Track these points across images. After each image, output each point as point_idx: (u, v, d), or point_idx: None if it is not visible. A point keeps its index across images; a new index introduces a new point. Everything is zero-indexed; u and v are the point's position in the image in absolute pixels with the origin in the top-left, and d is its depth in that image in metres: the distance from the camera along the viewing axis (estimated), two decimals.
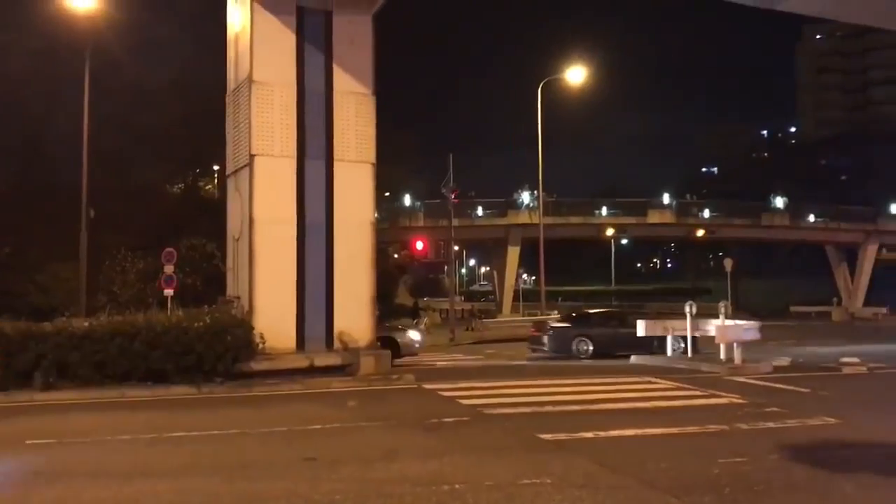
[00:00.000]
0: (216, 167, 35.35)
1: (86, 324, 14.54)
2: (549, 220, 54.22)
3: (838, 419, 11.16)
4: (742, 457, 8.90)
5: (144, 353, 14.22)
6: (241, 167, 17.11)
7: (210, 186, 39.35)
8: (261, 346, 15.45)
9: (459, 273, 67.46)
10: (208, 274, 22.14)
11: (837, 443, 9.85)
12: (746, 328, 18.30)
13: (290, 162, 16.61)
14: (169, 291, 19.05)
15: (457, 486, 7.16)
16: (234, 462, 8.64)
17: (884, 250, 64.70)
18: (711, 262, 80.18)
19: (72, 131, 20.73)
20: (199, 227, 26.84)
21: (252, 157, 16.45)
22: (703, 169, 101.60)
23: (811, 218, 62.43)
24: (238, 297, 16.78)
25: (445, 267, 46.63)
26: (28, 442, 9.70)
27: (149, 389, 13.98)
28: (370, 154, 17.36)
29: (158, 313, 15.85)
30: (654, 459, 8.79)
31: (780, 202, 64.65)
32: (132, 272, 25.02)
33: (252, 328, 15.36)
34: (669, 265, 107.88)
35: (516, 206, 59.03)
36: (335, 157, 16.98)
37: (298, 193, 16.70)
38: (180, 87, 29.16)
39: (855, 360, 18.71)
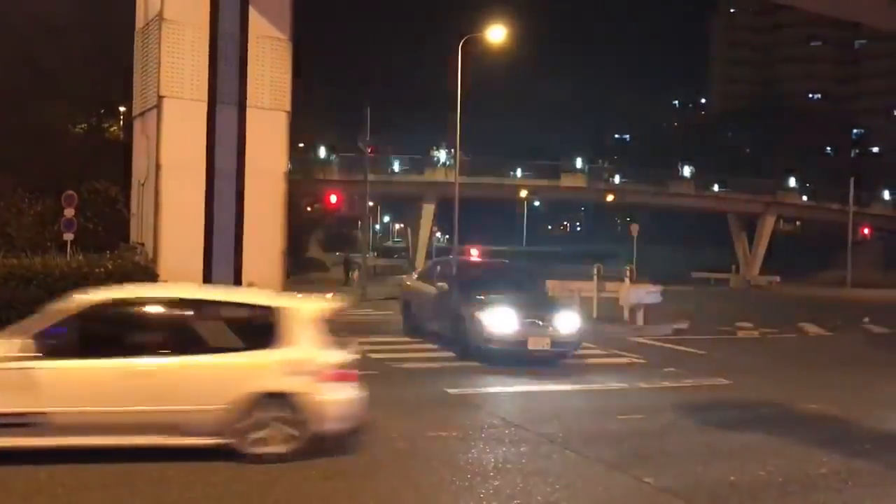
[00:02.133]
0: (122, 108, 33.87)
1: None
2: (465, 179, 54.29)
3: (730, 380, 11.72)
4: (640, 413, 9.27)
5: (41, 299, 13.63)
6: (149, 109, 16.43)
7: (115, 128, 37.68)
8: None
9: (373, 229, 67.11)
10: (111, 219, 21.25)
11: (728, 402, 10.36)
12: (649, 291, 18.89)
13: (201, 106, 16.00)
14: (69, 236, 18.21)
15: (363, 437, 7.19)
16: None
17: (781, 222, 67.71)
18: (620, 228, 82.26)
19: None
20: (103, 171, 25.68)
21: (161, 98, 15.79)
22: (616, 136, 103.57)
23: (715, 188, 64.64)
24: (142, 244, 16.24)
25: (359, 222, 46.26)
26: None
27: None
28: (285, 102, 16.90)
29: (57, 258, 15.19)
30: (556, 414, 9.06)
31: (686, 171, 66.62)
32: (29, 215, 23.86)
33: (157, 276, 14.91)
34: (580, 228, 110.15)
35: (433, 163, 58.92)
36: (248, 103, 16.44)
37: (209, 139, 16.14)
38: (87, 23, 27.68)
39: (748, 324, 19.64)
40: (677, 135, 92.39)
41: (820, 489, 6.60)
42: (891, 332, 20.19)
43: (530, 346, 12.05)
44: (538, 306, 13.06)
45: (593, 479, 6.61)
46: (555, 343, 12.30)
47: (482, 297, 12.88)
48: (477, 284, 13.99)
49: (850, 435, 8.60)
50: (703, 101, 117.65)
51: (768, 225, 63.95)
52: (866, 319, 22.33)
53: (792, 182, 67.99)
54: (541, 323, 12.35)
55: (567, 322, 12.64)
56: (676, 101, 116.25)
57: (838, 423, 9.18)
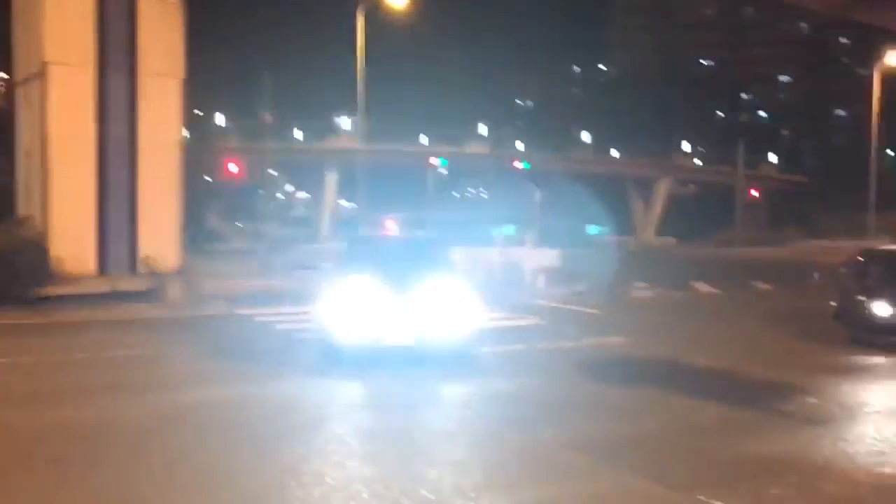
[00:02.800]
0: (2, 74, 32.01)
1: None
2: (369, 146, 53.98)
3: (625, 338, 12.21)
4: (539, 374, 9.58)
5: None
6: (33, 76, 15.65)
7: None
8: (59, 269, 14.46)
9: (276, 198, 65.91)
10: None
11: (623, 359, 10.81)
12: (549, 256, 19.40)
13: (89, 72, 15.35)
14: None
15: (269, 407, 7.21)
16: (28, 391, 8.18)
17: (678, 186, 70.16)
18: (523, 194, 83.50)
19: None
20: None
21: (45, 64, 15.05)
22: (520, 102, 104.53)
23: (614, 153, 66.42)
24: (31, 217, 15.55)
25: (260, 191, 45.34)
26: None
27: None
28: (178, 68, 16.36)
29: None
30: (465, 376, 9.25)
31: (586, 137, 68.10)
32: None
33: (47, 250, 14.34)
34: (484, 195, 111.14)
35: (336, 130, 58.23)
36: (139, 69, 15.87)
37: (99, 108, 15.52)
38: None
39: (643, 285, 20.41)
40: (579, 101, 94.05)
41: (706, 435, 7.05)
42: (776, 289, 21.38)
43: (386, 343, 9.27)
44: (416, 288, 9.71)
45: (493, 437, 6.83)
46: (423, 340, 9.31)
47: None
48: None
49: (736, 386, 9.14)
50: (603, 67, 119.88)
51: (663, 188, 66.21)
52: (758, 282, 23.51)
53: (686, 146, 70.47)
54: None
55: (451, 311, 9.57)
56: (577, 68, 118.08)
57: (725, 376, 9.73)
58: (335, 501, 5.21)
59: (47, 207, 15.14)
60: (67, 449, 6.18)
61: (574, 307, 16.36)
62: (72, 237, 15.10)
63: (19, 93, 16.58)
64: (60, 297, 14.24)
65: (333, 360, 9.25)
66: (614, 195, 69.64)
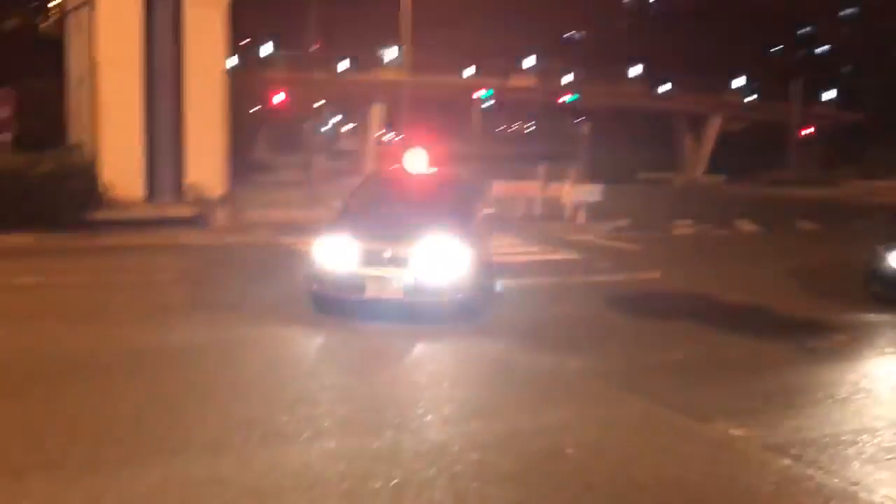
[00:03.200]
0: (55, 1, 32.40)
1: None
2: (415, 78, 53.56)
3: (661, 274, 12.25)
4: (570, 307, 9.72)
5: None
6: (83, 3, 15.87)
7: (48, 24, 36.05)
8: (108, 194, 14.92)
9: (321, 130, 66.17)
10: (49, 118, 20.72)
11: (656, 294, 10.89)
12: (590, 191, 19.30)
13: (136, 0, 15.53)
14: (6, 136, 17.77)
15: (318, 342, 7.50)
16: (80, 310, 8.59)
17: (727, 123, 68.47)
18: (570, 128, 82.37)
19: None
20: (37, 68, 24.80)
21: None
22: (569, 34, 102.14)
23: (665, 88, 64.89)
24: (82, 143, 15.98)
25: (306, 123, 45.49)
26: None
27: None
28: None
29: None
30: (491, 308, 9.42)
31: (637, 71, 66.52)
32: None
33: (97, 175, 14.77)
34: (533, 128, 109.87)
35: (381, 62, 57.83)
36: None
37: (146, 34, 15.73)
38: None
39: (686, 222, 20.26)
40: (629, 34, 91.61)
41: (732, 368, 7.16)
42: (821, 229, 21.04)
43: (368, 295, 8.14)
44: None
45: (519, 365, 7.02)
46: (411, 290, 8.11)
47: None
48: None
49: (767, 322, 9.18)
50: None
51: (714, 125, 64.75)
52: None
53: (739, 82, 68.51)
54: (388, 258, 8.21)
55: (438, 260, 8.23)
56: None
57: (757, 312, 9.74)
58: (355, 423, 5.47)
59: (97, 133, 15.54)
60: (115, 361, 6.54)
61: (613, 243, 16.36)
62: (120, 163, 15.50)
63: (70, 20, 16.85)
64: (109, 222, 14.72)
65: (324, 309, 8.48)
66: (663, 131, 68.38)
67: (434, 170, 9.95)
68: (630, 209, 22.51)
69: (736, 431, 5.36)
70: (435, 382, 6.49)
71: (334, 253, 8.28)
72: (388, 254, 8.17)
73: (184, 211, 15.80)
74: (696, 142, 66.11)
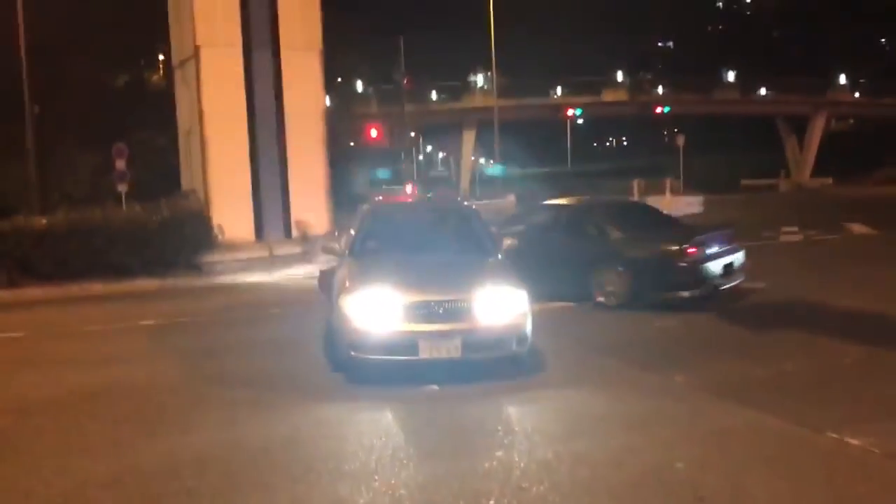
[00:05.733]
0: (161, 57, 34.41)
1: (44, 221, 14.65)
2: (504, 102, 53.95)
3: (767, 282, 11.95)
4: (675, 319, 9.64)
5: (104, 249, 14.44)
6: (188, 58, 16.90)
7: (157, 77, 38.32)
8: (220, 237, 15.74)
9: (417, 160, 67.40)
10: (160, 168, 22.01)
11: (762, 302, 10.65)
12: (689, 202, 19.03)
13: (236, 51, 16.44)
14: (123, 187, 19.01)
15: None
16: (202, 346, 9.12)
17: (833, 122, 65.78)
18: (666, 139, 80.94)
19: (3, 27, 19.95)
20: (148, 121, 26.42)
21: (197, 48, 16.23)
22: (659, 44, 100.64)
23: (762, 91, 62.99)
24: (193, 191, 16.93)
25: (402, 154, 46.40)
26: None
27: (112, 284, 14.27)
28: (317, 40, 17.20)
29: (115, 209, 15.99)
30: (594, 323, 9.45)
31: (731, 76, 64.88)
32: (83, 169, 24.74)
33: (209, 220, 15.61)
34: (626, 143, 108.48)
35: (470, 89, 58.54)
36: (282, 44, 16.81)
37: (248, 83, 16.60)
38: None
39: (793, 228, 19.65)
40: (721, 38, 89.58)
41: (846, 377, 6.97)
42: None
43: (422, 355, 6.86)
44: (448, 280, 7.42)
45: (625, 380, 7.05)
46: (471, 345, 6.91)
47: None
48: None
49: (883, 328, 8.85)
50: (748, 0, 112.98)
51: (819, 126, 62.29)
52: None
53: (843, 79, 65.71)
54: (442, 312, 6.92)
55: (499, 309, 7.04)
56: (720, 3, 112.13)
57: (872, 319, 9.41)
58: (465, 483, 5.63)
59: (206, 180, 16.44)
60: (237, 392, 6.94)
61: None
62: (230, 207, 16.35)
63: (178, 75, 17.94)
64: (222, 263, 15.54)
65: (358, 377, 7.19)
66: (763, 136, 66.27)
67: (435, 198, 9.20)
68: (732, 218, 21.98)
69: (853, 441, 5.24)
70: (544, 385, 6.57)
71: (374, 309, 6.89)
72: (441, 307, 6.92)
73: (291, 248, 16.49)
74: (799, 144, 63.80)
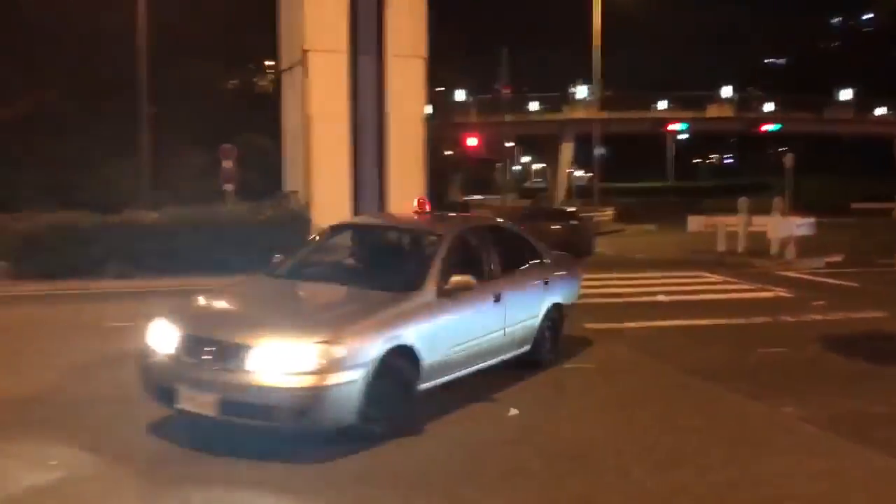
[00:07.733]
0: (269, 62, 35.51)
1: (153, 216, 15.19)
2: (605, 114, 53.22)
3: (885, 313, 11.28)
4: (782, 347, 9.17)
5: (209, 245, 14.84)
6: (295, 63, 17.25)
7: (265, 82, 39.55)
8: (318, 238, 15.95)
9: (512, 170, 67.35)
10: (265, 169, 22.58)
11: (880, 335, 10.02)
12: (800, 224, 18.20)
13: (343, 57, 16.65)
14: (229, 186, 19.54)
15: None
16: None
17: None
18: (772, 158, 78.21)
19: (124, 30, 20.91)
20: (255, 123, 27.22)
21: (305, 52, 16.54)
22: (768, 61, 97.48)
23: (879, 111, 60.01)
24: (296, 192, 17.24)
25: (497, 164, 46.35)
26: (108, 325, 10.21)
27: (214, 278, 14.62)
28: (422, 48, 17.28)
29: (220, 207, 16.47)
30: (696, 348, 9.12)
31: (845, 95, 62.04)
32: (191, 168, 25.68)
33: (310, 221, 15.85)
34: (729, 161, 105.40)
35: (571, 100, 57.97)
36: (387, 51, 16.96)
37: (352, 88, 16.80)
38: None
39: None
40: (836, 56, 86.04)
41: None
42: None
43: (180, 405, 5.53)
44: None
45: (731, 409, 6.72)
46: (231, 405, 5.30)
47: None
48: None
49: None
50: (866, 17, 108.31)
51: None
52: None
53: None
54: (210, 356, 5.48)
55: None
56: (836, 20, 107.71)
57: None
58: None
59: (309, 181, 16.70)
60: None
61: (827, 279, 15.30)
62: (330, 209, 16.50)
63: (286, 79, 18.32)
64: None
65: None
66: (878, 158, 63.09)
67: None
68: (844, 243, 20.98)
69: None
70: (638, 428, 6.32)
71: (160, 340, 5.93)
72: (211, 346, 5.51)
73: None
74: None
